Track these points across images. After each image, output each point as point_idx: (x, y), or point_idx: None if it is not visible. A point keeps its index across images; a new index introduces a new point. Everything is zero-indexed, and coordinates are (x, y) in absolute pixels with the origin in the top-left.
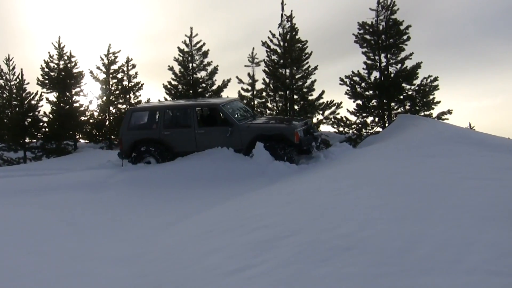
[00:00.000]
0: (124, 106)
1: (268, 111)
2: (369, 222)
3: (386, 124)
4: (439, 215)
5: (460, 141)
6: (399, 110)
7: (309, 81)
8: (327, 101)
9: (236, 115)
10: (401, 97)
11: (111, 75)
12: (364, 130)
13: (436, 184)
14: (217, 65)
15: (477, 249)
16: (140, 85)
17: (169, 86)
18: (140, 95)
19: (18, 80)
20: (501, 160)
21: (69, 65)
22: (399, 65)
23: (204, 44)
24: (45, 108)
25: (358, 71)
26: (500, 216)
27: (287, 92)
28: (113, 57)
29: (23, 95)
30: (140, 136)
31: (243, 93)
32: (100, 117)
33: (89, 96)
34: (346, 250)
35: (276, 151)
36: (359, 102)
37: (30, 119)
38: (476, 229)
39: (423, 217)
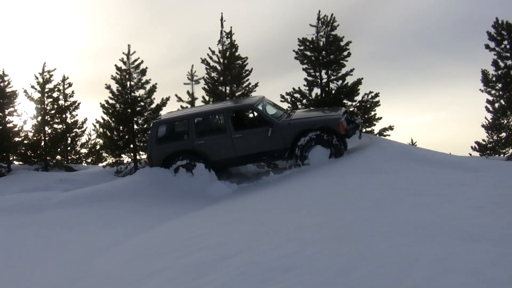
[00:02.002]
0: (60, 126)
1: None
2: (312, 241)
3: None
4: (382, 232)
5: (402, 157)
6: None
7: None
8: None
9: (272, 113)
10: None
11: (46, 94)
12: None
13: (380, 201)
14: (156, 83)
15: (420, 266)
16: (76, 104)
17: (106, 105)
18: (77, 115)
19: None
20: (443, 176)
21: (1, 84)
22: (340, 81)
23: (142, 61)
24: None
25: (299, 87)
26: (442, 233)
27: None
28: (48, 76)
29: None
30: (171, 150)
31: None
32: (35, 138)
33: (24, 116)
34: (288, 270)
35: (324, 141)
36: None
37: None
38: (419, 246)
39: (366, 235)
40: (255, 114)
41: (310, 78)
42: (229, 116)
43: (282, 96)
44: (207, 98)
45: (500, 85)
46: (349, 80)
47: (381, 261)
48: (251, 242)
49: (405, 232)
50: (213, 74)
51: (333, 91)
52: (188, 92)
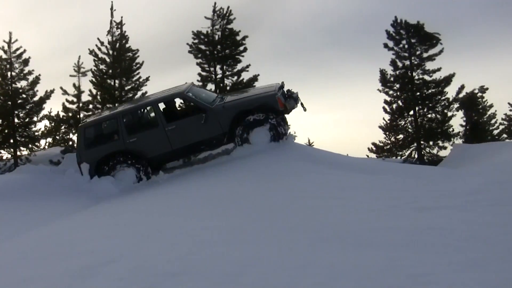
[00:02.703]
0: None
1: None
2: (199, 246)
3: None
4: (275, 237)
5: (299, 159)
6: None
7: (139, 93)
8: None
9: (203, 99)
10: None
11: None
12: None
13: (272, 204)
14: (40, 74)
15: (311, 272)
16: None
17: None
18: None
19: None
20: (339, 179)
21: None
22: (235, 77)
23: (25, 50)
24: None
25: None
26: (335, 237)
27: (116, 104)
28: None
29: None
30: (102, 153)
31: (68, 105)
32: None
33: None
34: (173, 275)
35: (263, 121)
36: None
37: None
38: (311, 251)
39: (258, 239)
40: (187, 102)
41: (204, 73)
42: (158, 108)
43: None
44: (94, 91)
45: (398, 86)
46: (245, 76)
47: (273, 267)
48: (134, 246)
49: (297, 237)
50: (102, 67)
51: (228, 87)
52: (74, 84)
